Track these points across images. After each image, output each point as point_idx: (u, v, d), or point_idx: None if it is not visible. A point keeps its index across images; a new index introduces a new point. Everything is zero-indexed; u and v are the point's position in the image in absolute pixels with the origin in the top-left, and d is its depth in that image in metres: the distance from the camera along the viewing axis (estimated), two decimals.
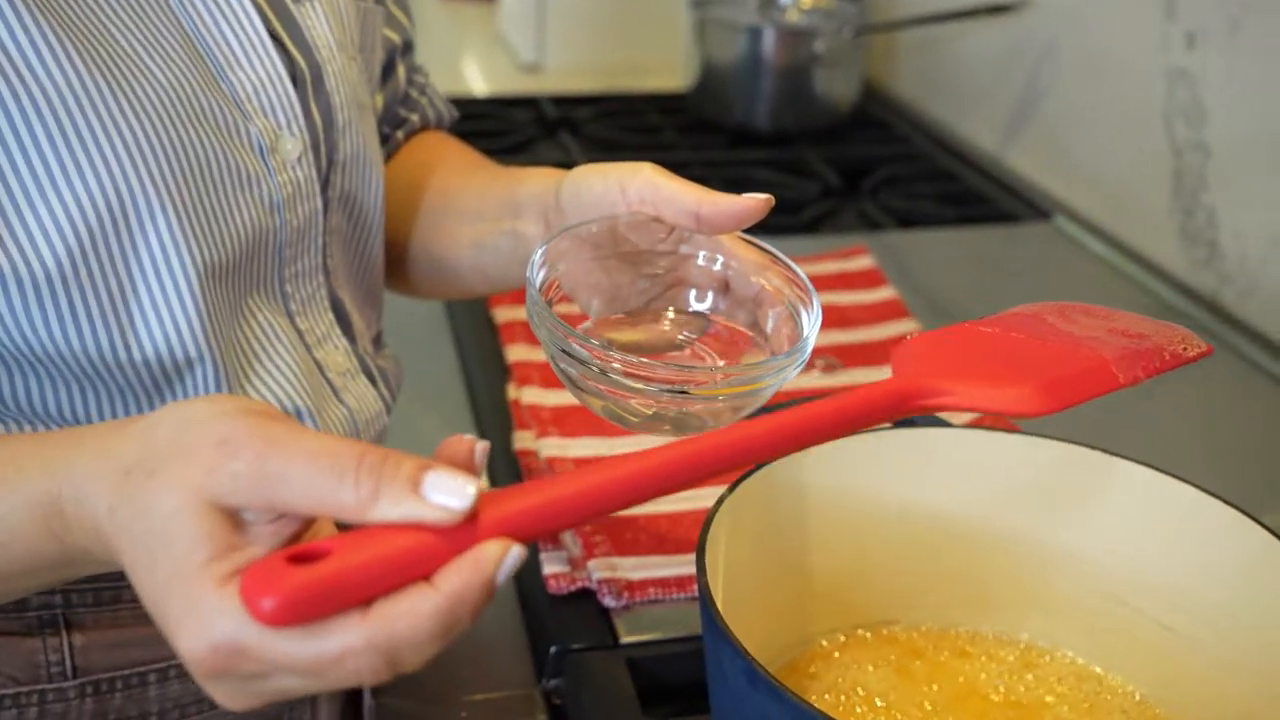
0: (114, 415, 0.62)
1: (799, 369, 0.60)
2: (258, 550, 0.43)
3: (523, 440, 0.94)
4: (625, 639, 0.76)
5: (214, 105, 0.61)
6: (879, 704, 0.63)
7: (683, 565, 0.79)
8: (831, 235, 1.37)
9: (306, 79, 0.67)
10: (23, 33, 0.55)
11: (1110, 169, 1.41)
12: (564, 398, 0.96)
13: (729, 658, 0.52)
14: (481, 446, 0.46)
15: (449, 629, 0.42)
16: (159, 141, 0.58)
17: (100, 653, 0.66)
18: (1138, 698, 0.66)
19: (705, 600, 0.55)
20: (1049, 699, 0.65)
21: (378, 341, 0.80)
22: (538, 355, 1.04)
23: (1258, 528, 0.62)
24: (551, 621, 0.77)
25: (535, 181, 0.72)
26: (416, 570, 0.42)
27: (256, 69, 0.64)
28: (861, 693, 0.64)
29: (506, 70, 1.93)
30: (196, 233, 0.60)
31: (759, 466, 0.64)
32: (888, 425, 0.65)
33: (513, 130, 1.61)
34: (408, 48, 0.84)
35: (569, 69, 1.90)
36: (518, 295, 1.08)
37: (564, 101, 1.73)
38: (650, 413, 0.59)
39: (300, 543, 0.44)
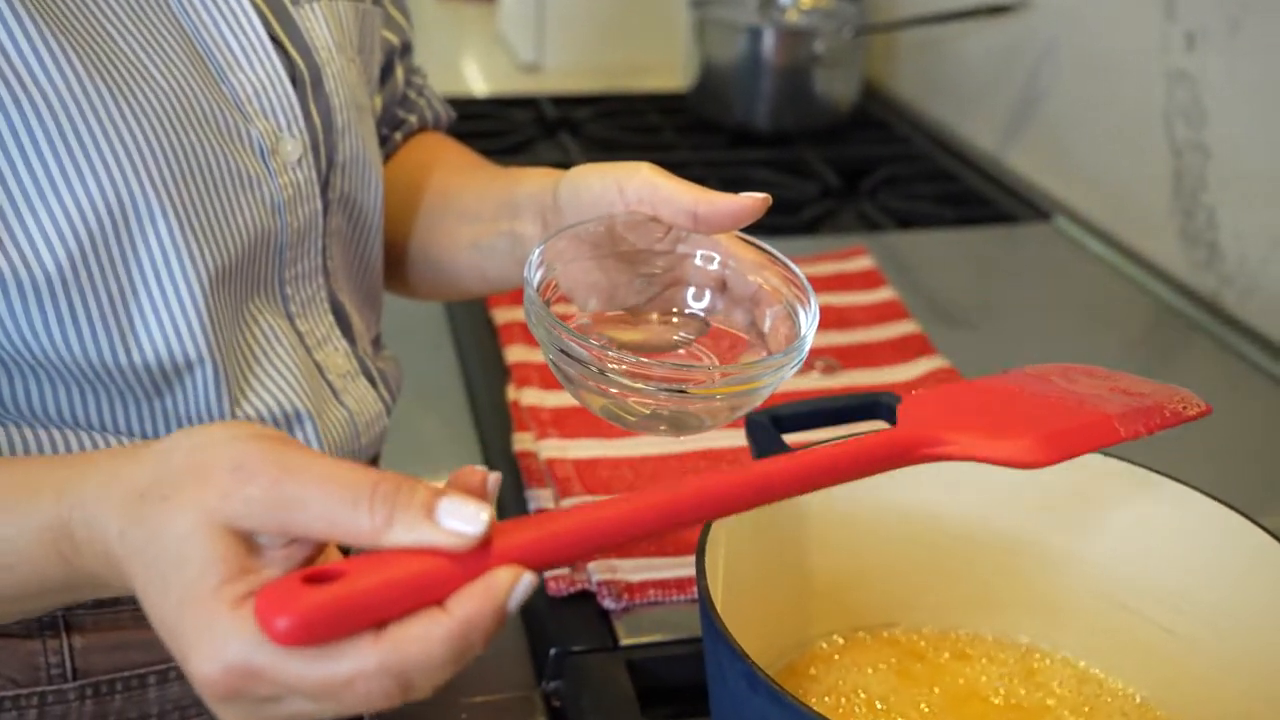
0: (114, 417, 0.62)
1: (796, 368, 0.60)
2: (271, 573, 0.44)
3: (522, 441, 0.94)
4: (625, 641, 0.76)
5: (214, 108, 0.61)
6: (879, 707, 0.63)
7: (682, 567, 0.79)
8: (831, 236, 1.37)
9: (306, 81, 0.67)
10: (23, 38, 0.55)
11: (1110, 170, 1.41)
12: (563, 399, 0.96)
13: (729, 661, 0.52)
14: (494, 478, 0.47)
15: (461, 654, 0.43)
16: (159, 145, 0.58)
17: (100, 654, 0.66)
18: (1138, 700, 0.66)
19: (705, 603, 0.55)
20: (1050, 702, 0.65)
21: (377, 343, 0.80)
22: (537, 356, 1.03)
23: (1258, 530, 0.62)
24: (551, 623, 0.77)
25: (533, 182, 0.72)
26: (429, 594, 0.42)
27: (257, 71, 0.64)
28: (862, 695, 0.64)
29: (506, 70, 1.93)
30: (198, 236, 0.60)
31: None
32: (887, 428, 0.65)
33: (512, 130, 1.61)
34: (406, 49, 0.84)
35: (568, 69, 1.90)
36: (517, 296, 1.08)
37: (564, 101, 1.73)
38: (648, 411, 0.59)
39: (312, 563, 0.45)
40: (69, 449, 0.61)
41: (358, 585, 0.41)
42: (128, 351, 0.59)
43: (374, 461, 0.79)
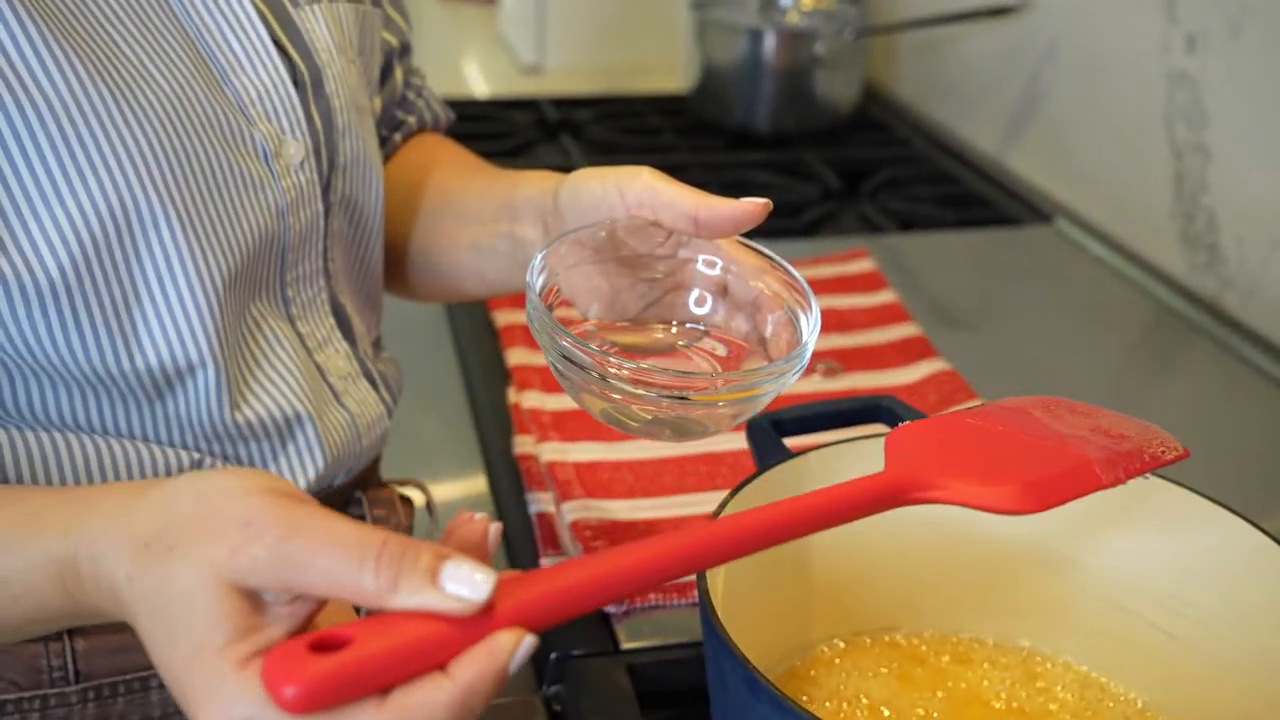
0: (114, 420, 0.62)
1: (798, 375, 0.60)
2: (276, 631, 0.44)
3: (523, 445, 0.94)
4: (626, 645, 0.76)
5: (218, 111, 0.61)
6: (885, 713, 0.63)
7: None
8: (832, 238, 1.37)
9: (307, 83, 0.67)
10: (26, 42, 0.55)
11: (1111, 172, 1.41)
12: (564, 402, 0.96)
13: (730, 666, 0.52)
14: (494, 529, 0.48)
15: (462, 717, 0.43)
16: (163, 149, 0.58)
17: (102, 657, 0.66)
18: (1140, 705, 0.66)
19: (706, 607, 0.55)
20: (1052, 706, 0.65)
21: (378, 345, 0.80)
22: (538, 359, 1.03)
23: (1258, 533, 0.62)
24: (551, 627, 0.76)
25: (533, 185, 0.72)
26: (433, 658, 0.43)
27: (260, 74, 0.64)
28: (864, 700, 0.64)
29: (507, 72, 1.93)
30: (201, 240, 0.60)
31: (760, 471, 0.64)
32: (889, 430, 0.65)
33: (513, 132, 1.61)
34: (405, 50, 0.84)
35: (569, 71, 1.90)
36: (517, 299, 1.08)
37: (564, 103, 1.73)
38: (650, 417, 0.59)
39: (314, 619, 0.46)
40: (70, 452, 0.61)
41: (363, 652, 0.42)
42: (130, 356, 0.59)
43: (375, 464, 0.79)
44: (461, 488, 0.95)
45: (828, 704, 0.63)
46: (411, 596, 0.43)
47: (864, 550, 0.67)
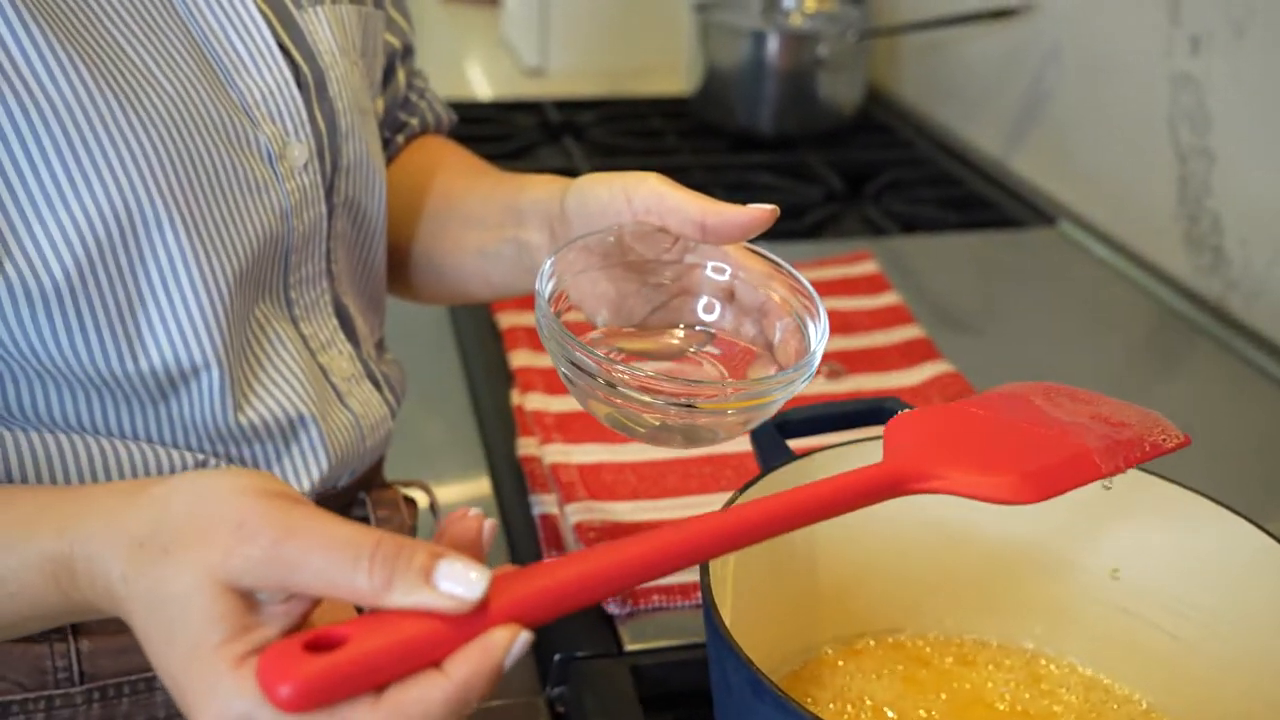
0: (118, 422, 0.62)
1: (806, 382, 0.60)
2: (270, 630, 0.45)
3: (526, 446, 0.94)
4: (629, 646, 0.76)
5: (222, 113, 0.61)
6: (889, 714, 0.63)
7: (687, 572, 0.79)
8: (835, 240, 1.37)
9: (310, 85, 0.67)
10: (30, 45, 0.55)
11: (1115, 174, 1.41)
12: (568, 404, 0.96)
13: (734, 668, 0.52)
14: (489, 525, 0.48)
15: (458, 713, 0.44)
16: (167, 152, 0.58)
17: (107, 658, 0.66)
18: (1144, 706, 0.66)
19: (709, 609, 0.55)
20: (1056, 708, 0.65)
21: (381, 346, 0.80)
22: (541, 361, 1.04)
23: (1261, 533, 0.62)
24: (555, 628, 0.76)
25: (539, 189, 0.72)
26: (428, 656, 0.43)
27: (265, 76, 0.64)
28: (868, 702, 0.64)
29: (509, 74, 1.93)
30: (206, 242, 0.60)
31: (764, 473, 0.64)
32: None
33: (515, 134, 1.61)
34: (407, 52, 0.84)
35: (572, 73, 1.90)
36: (521, 301, 1.08)
37: (567, 105, 1.73)
38: (657, 424, 0.59)
39: (310, 617, 0.46)
40: (74, 453, 0.61)
41: (358, 651, 0.42)
42: (135, 358, 0.59)
43: (379, 465, 0.79)
44: (465, 489, 0.95)
45: (831, 706, 0.63)
46: (406, 596, 0.43)
47: (867, 552, 0.67)
